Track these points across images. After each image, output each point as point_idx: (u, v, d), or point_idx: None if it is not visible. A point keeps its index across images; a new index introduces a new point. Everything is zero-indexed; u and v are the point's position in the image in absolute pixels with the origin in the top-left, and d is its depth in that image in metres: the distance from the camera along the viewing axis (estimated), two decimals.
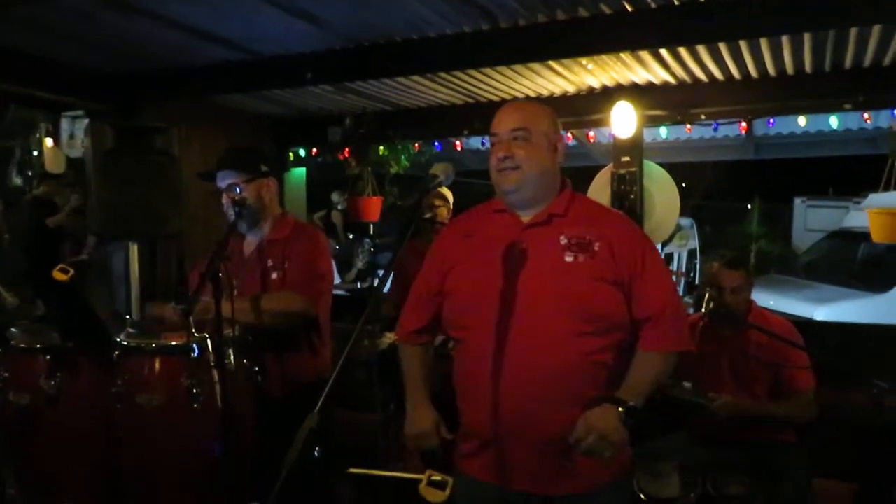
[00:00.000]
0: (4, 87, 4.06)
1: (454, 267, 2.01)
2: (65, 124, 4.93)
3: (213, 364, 2.27)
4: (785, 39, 3.62)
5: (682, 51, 3.84)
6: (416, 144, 6.10)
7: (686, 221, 12.43)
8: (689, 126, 4.60)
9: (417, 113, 5.31)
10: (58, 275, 2.18)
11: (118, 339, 2.34)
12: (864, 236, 9.30)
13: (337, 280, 6.95)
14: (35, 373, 2.34)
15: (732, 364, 3.08)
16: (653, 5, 3.09)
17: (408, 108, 5.30)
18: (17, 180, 8.26)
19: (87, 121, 4.69)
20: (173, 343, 2.31)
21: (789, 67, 4.15)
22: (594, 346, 1.85)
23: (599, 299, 1.85)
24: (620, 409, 1.81)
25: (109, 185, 4.22)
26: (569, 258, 1.86)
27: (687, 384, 3.36)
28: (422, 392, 2.14)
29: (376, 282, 7.00)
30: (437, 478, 1.28)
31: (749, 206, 16.33)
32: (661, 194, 4.74)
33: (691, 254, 12.77)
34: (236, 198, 2.64)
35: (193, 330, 2.26)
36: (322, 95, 4.95)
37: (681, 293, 8.83)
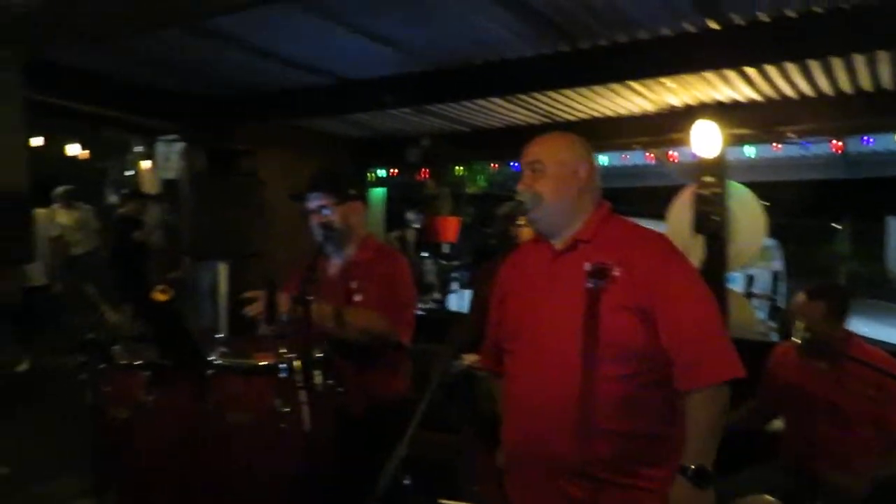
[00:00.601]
0: (107, 112, 4.31)
1: (504, 298, 2.09)
2: (161, 147, 5.20)
3: (300, 385, 2.32)
4: (882, 54, 3.46)
5: (770, 67, 3.72)
6: (494, 164, 6.13)
7: (770, 241, 11.94)
8: (777, 145, 4.44)
9: (495, 133, 5.33)
10: (158, 296, 2.29)
11: (211, 358, 2.43)
12: None
13: None
14: (134, 388, 2.46)
15: (830, 402, 2.85)
16: (740, 23, 3.01)
17: (485, 129, 5.33)
18: (112, 199, 8.73)
19: (180, 144, 4.93)
20: (263, 363, 2.38)
21: (886, 81, 3.96)
22: (618, 375, 1.79)
23: (617, 328, 1.79)
24: (686, 477, 1.74)
25: (200, 205, 4.41)
26: (590, 284, 1.83)
27: (778, 423, 3.20)
28: None
29: (449, 303, 7.03)
30: None
31: (838, 226, 15.58)
32: (747, 216, 4.60)
33: (775, 275, 12.26)
34: (324, 220, 2.70)
35: (283, 350, 2.33)
36: (400, 117, 5.04)
37: (764, 317, 8.45)
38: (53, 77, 3.74)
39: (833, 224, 15.92)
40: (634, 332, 1.79)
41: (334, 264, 2.89)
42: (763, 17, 2.97)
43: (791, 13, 2.92)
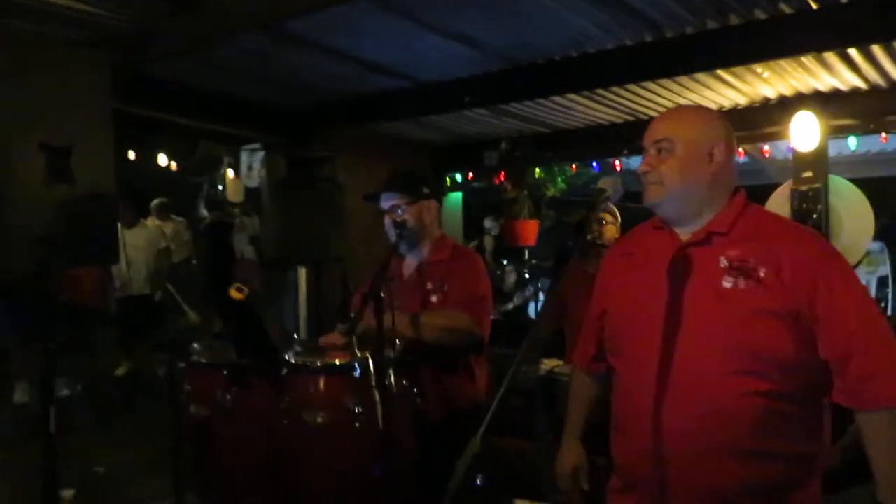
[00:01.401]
0: (193, 123, 4.44)
1: (612, 287, 1.87)
2: (244, 157, 5.34)
3: (374, 384, 2.27)
4: None
5: (876, 49, 3.44)
6: (573, 166, 5.96)
7: (876, 245, 11.20)
8: (884, 135, 4.11)
9: (574, 133, 5.19)
10: (234, 293, 2.30)
11: (286, 358, 2.42)
12: None
13: None
14: (214, 387, 2.48)
15: None
16: (842, 0, 2.78)
17: (564, 129, 5.20)
18: (204, 212, 9.10)
19: (263, 153, 5.03)
20: (337, 362, 2.35)
21: None
22: (757, 389, 1.55)
23: (760, 335, 1.55)
24: None
25: (281, 211, 4.48)
26: (727, 284, 1.59)
27: None
28: (575, 427, 2.00)
29: (531, 306, 6.89)
30: None
31: None
32: (851, 213, 4.26)
33: (882, 281, 11.48)
34: (398, 219, 2.66)
35: (356, 350, 2.29)
36: (478, 119, 4.97)
37: None
38: (142, 88, 3.87)
39: None
40: (781, 341, 1.55)
41: (409, 265, 2.85)
42: None
43: None
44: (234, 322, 2.45)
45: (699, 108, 1.83)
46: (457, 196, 6.26)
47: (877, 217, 4.46)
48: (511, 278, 8.25)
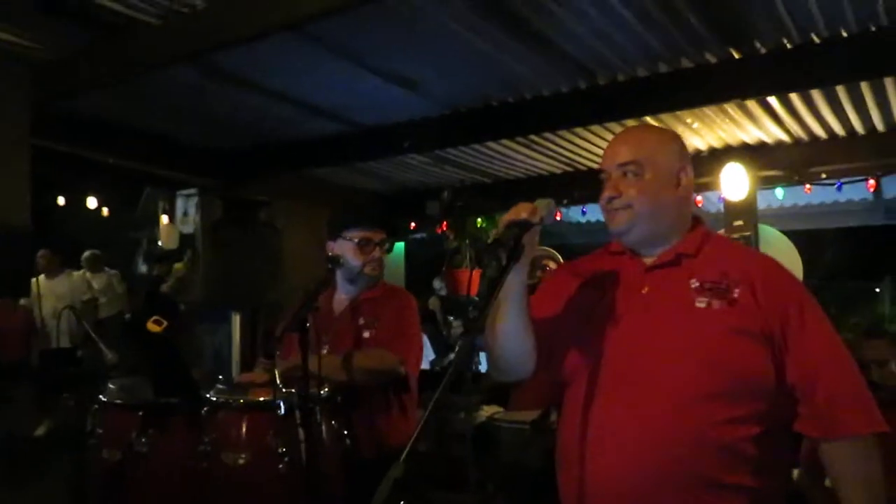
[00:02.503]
0: (123, 163, 4.33)
1: (564, 311, 1.69)
2: (180, 202, 5.23)
3: (299, 423, 2.16)
4: None
5: (798, 104, 3.61)
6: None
7: None
8: (808, 186, 4.28)
9: (515, 183, 5.26)
10: (152, 326, 2.18)
11: (207, 396, 2.29)
12: None
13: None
14: (128, 429, 2.32)
15: None
16: (762, 51, 2.92)
17: (505, 179, 5.27)
18: (143, 268, 8.84)
19: (198, 198, 4.92)
20: (260, 399, 2.23)
21: None
22: (730, 416, 1.47)
23: (737, 355, 1.48)
24: None
25: (216, 255, 4.36)
26: (700, 304, 1.52)
27: None
28: None
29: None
30: None
31: (878, 289, 15.13)
32: (781, 259, 4.38)
33: None
34: (380, 256, 2.65)
35: (281, 386, 2.18)
36: (419, 168, 5.00)
37: None
38: (69, 127, 3.76)
39: (874, 285, 15.47)
40: (757, 362, 1.48)
41: (340, 300, 2.79)
42: (788, 44, 2.87)
43: (817, 38, 2.82)
44: (151, 357, 2.31)
45: (662, 131, 1.73)
46: (399, 246, 6.23)
47: (806, 277, 4.59)
48: (458, 331, 8.18)
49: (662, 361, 1.50)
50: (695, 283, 1.54)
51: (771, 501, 1.53)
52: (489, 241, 1.69)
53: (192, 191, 5.08)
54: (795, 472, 2.99)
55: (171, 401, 2.33)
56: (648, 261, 1.61)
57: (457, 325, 8.56)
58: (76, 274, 6.66)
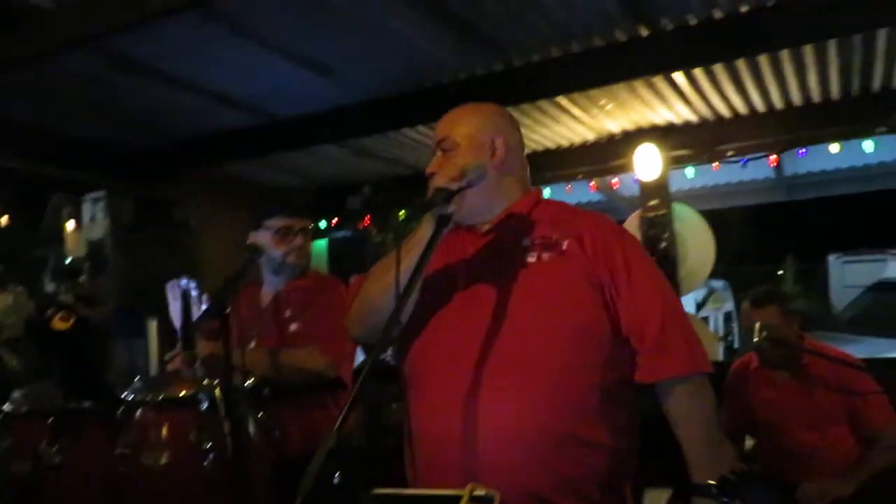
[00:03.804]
0: (29, 168, 4.06)
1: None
2: (87, 207, 4.95)
3: (223, 415, 2.06)
4: (810, 62, 3.50)
5: (704, 84, 3.73)
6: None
7: (719, 283, 12.13)
8: (716, 164, 4.44)
9: None
10: (58, 323, 2.04)
11: (122, 396, 2.16)
12: None
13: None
14: (37, 439, 2.18)
15: (798, 408, 2.79)
16: (669, 27, 3.00)
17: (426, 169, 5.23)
18: (50, 287, 8.35)
19: (107, 201, 4.68)
20: (181, 395, 2.12)
21: (815, 95, 4.02)
22: (572, 364, 1.48)
23: (571, 303, 1.51)
24: (710, 498, 1.41)
25: (128, 257, 4.17)
26: (531, 259, 1.55)
27: (749, 443, 3.08)
28: None
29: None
30: (480, 492, 1.05)
31: (780, 271, 16.03)
32: (695, 237, 4.55)
33: (727, 316, 12.38)
34: (302, 244, 2.62)
35: (203, 376, 2.08)
36: (340, 161, 4.91)
37: (721, 358, 8.32)
38: None
39: (778, 268, 16.37)
40: (596, 311, 1.51)
41: (265, 294, 2.70)
42: (692, 20, 2.96)
43: (719, 14, 2.91)
44: (59, 359, 2.17)
45: (477, 105, 1.74)
46: (321, 244, 6.11)
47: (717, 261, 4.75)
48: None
49: (503, 320, 1.50)
50: (526, 242, 1.58)
51: (625, 458, 1.54)
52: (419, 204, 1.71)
53: (100, 194, 4.84)
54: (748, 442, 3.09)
55: (82, 405, 2.20)
56: (483, 229, 1.64)
57: None
58: None
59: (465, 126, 1.66)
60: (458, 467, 1.44)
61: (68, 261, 7.21)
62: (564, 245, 1.55)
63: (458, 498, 1.05)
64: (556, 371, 1.47)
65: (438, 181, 1.57)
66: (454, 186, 1.52)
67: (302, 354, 2.47)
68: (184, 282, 2.32)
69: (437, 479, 1.47)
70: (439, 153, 1.66)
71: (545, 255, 1.55)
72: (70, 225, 5.10)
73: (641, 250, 1.65)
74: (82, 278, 5.88)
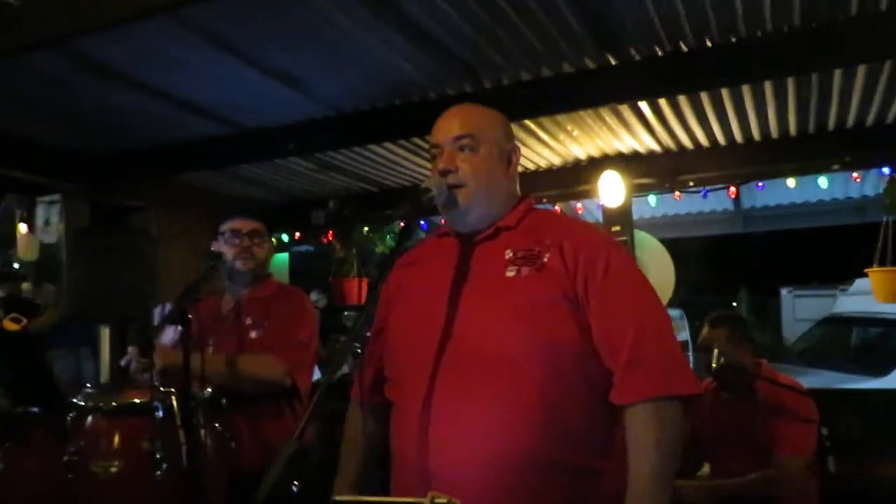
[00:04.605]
0: None
1: (392, 302, 1.66)
2: (40, 210, 4.81)
3: (179, 424, 2.02)
4: (770, 99, 3.62)
5: (668, 114, 3.83)
6: (402, 223, 6.01)
7: (676, 313, 12.33)
8: (677, 193, 4.55)
9: (402, 192, 5.25)
10: (8, 324, 1.98)
11: (73, 401, 2.09)
12: (857, 321, 9.25)
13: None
14: None
15: (742, 432, 2.85)
16: (637, 57, 3.07)
17: (392, 188, 5.24)
18: None
19: (61, 204, 4.56)
20: (135, 401, 2.07)
21: (774, 131, 4.16)
22: (546, 382, 1.42)
23: (546, 320, 1.44)
24: None
25: (83, 263, 4.06)
26: (510, 273, 1.50)
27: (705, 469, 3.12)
28: (347, 476, 1.70)
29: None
30: (441, 500, 1.04)
31: (735, 303, 16.37)
32: (655, 263, 4.63)
33: (683, 345, 12.56)
34: (254, 247, 2.62)
35: (159, 386, 2.03)
36: (305, 175, 4.88)
37: None
38: None
39: (732, 300, 16.74)
40: (567, 325, 1.45)
41: (227, 301, 2.67)
42: (659, 51, 3.04)
43: (685, 47, 3.00)
44: (7, 358, 2.09)
45: (492, 110, 1.69)
46: (283, 257, 6.05)
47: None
48: (339, 346, 8.02)
49: (479, 334, 1.47)
50: (509, 254, 1.54)
51: (593, 482, 1.46)
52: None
53: (55, 196, 4.71)
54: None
55: (29, 409, 2.13)
56: (469, 237, 1.61)
57: (336, 339, 8.43)
58: None
59: (492, 131, 1.62)
60: (428, 486, 1.37)
61: (17, 266, 6.99)
62: (546, 258, 1.50)
63: None
64: (527, 390, 1.42)
65: (467, 177, 1.55)
66: (482, 189, 1.55)
67: (259, 361, 2.45)
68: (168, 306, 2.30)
69: (411, 494, 1.40)
70: (450, 148, 1.58)
71: (524, 270, 1.50)
72: (22, 228, 4.96)
73: (628, 265, 1.56)
74: (25, 284, 5.70)
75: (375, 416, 1.70)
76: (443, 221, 1.71)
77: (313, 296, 8.91)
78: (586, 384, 1.46)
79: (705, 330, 2.97)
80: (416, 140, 4.11)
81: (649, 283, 1.55)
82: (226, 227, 2.63)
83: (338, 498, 1.17)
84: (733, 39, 2.93)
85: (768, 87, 3.46)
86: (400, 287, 1.67)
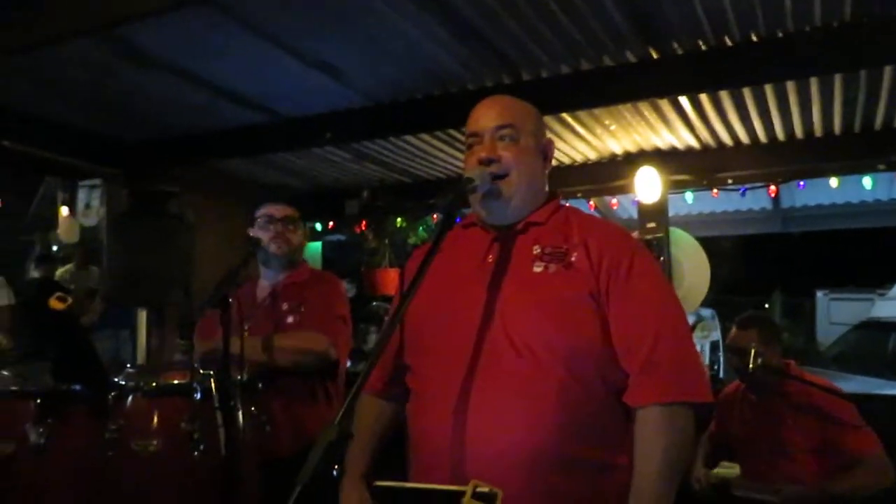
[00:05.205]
0: (24, 150, 4.03)
1: (412, 291, 1.62)
2: (82, 194, 4.91)
3: (217, 407, 2.05)
4: (815, 95, 3.55)
5: (709, 110, 3.77)
6: (434, 216, 6.02)
7: (707, 312, 12.15)
8: (715, 191, 4.48)
9: (436, 184, 5.25)
10: (55, 303, 2.02)
11: (115, 380, 2.13)
12: (893, 326, 9.03)
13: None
14: (22, 419, 2.13)
15: (771, 433, 2.80)
16: (679, 51, 3.03)
17: (426, 179, 5.25)
18: (35, 273, 8.26)
19: (102, 189, 4.65)
20: (175, 382, 2.10)
21: (818, 129, 4.07)
22: (568, 378, 1.42)
23: (571, 317, 1.44)
24: None
25: (123, 248, 4.14)
26: (537, 269, 1.50)
27: (726, 464, 3.08)
28: (358, 464, 1.66)
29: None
30: (483, 489, 1.04)
31: (766, 304, 16.10)
32: (690, 261, 4.58)
33: (714, 346, 12.39)
34: (287, 232, 2.63)
35: (199, 369, 2.07)
36: (340, 164, 4.91)
37: None
38: None
39: (764, 301, 16.47)
40: (588, 326, 1.45)
41: (263, 287, 2.70)
42: (703, 45, 2.99)
43: (730, 41, 2.95)
44: (52, 337, 2.14)
45: (529, 104, 1.66)
46: (315, 246, 6.10)
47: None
48: (373, 338, 8.07)
49: (503, 329, 1.46)
50: (537, 249, 1.54)
51: (610, 478, 1.46)
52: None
53: (96, 181, 4.81)
54: None
55: (72, 387, 2.17)
56: (500, 231, 1.59)
57: (372, 329, 8.47)
58: None
59: (530, 123, 1.60)
60: (458, 474, 1.39)
61: (55, 248, 7.14)
62: (573, 257, 1.50)
63: (461, 493, 1.04)
64: (552, 385, 1.42)
65: (510, 167, 1.53)
66: (524, 181, 1.54)
67: (302, 336, 2.48)
68: None
69: (437, 481, 1.41)
70: (491, 137, 1.55)
71: (552, 267, 1.50)
72: (64, 211, 5.06)
73: (652, 268, 1.56)
74: (67, 267, 5.83)
75: (391, 406, 1.72)
76: (468, 212, 1.68)
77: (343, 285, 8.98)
78: (604, 382, 1.47)
79: (734, 331, 2.93)
80: (452, 131, 4.11)
81: (671, 287, 1.58)
82: (260, 212, 2.66)
83: (379, 483, 1.17)
84: (780, 34, 2.87)
85: (814, 83, 3.39)
86: (425, 277, 1.62)
